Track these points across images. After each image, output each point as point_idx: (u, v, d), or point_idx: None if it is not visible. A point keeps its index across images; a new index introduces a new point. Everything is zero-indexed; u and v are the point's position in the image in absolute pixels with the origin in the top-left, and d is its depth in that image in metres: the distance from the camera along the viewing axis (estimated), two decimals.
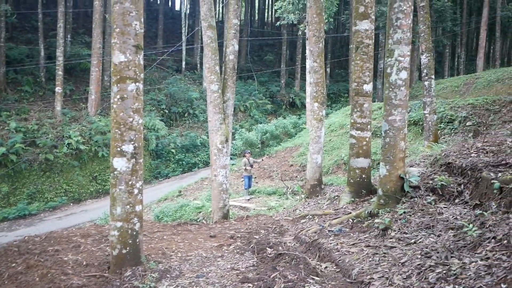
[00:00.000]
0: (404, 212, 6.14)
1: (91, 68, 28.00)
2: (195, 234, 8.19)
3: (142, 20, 5.82)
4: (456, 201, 6.10)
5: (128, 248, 5.66)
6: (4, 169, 21.72)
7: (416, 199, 6.42)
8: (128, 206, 5.66)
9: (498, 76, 24.41)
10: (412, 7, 6.85)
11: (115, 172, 5.62)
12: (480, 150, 6.92)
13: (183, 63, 39.67)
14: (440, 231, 5.20)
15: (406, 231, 5.57)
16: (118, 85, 5.63)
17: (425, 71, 14.83)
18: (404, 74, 6.70)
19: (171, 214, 14.90)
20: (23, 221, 20.22)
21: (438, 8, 34.02)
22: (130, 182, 5.65)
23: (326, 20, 26.72)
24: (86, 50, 31.60)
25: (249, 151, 18.28)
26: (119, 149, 5.60)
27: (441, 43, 38.82)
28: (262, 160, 19.75)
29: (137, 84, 5.71)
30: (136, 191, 5.72)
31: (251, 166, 16.51)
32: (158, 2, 53.38)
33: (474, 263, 3.99)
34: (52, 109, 26.63)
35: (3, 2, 26.96)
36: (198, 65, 41.04)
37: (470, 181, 6.17)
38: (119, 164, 5.61)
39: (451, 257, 4.30)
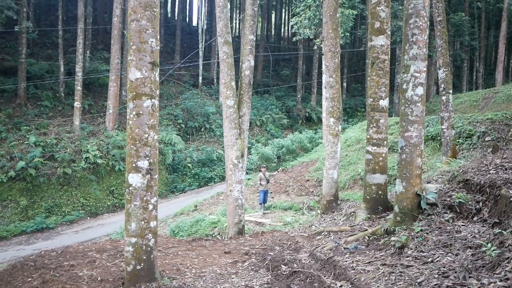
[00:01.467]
0: (421, 230, 6.04)
1: (109, 83, 28.45)
2: (210, 250, 8.17)
3: (158, 37, 5.90)
4: (475, 219, 5.97)
5: (142, 264, 5.66)
6: (23, 183, 22.07)
7: (433, 216, 6.31)
8: (142, 222, 5.67)
9: None
10: (428, 23, 6.82)
11: (130, 188, 5.65)
12: (499, 167, 6.79)
13: (200, 78, 40.03)
14: (458, 250, 5.10)
15: (423, 250, 5.46)
16: (134, 101, 5.69)
17: (442, 85, 14.70)
18: (420, 90, 6.64)
19: (187, 229, 14.90)
20: (41, 234, 20.45)
21: (455, 22, 33.86)
22: (145, 198, 5.68)
23: (342, 35, 26.75)
24: (104, 65, 32.17)
25: (264, 165, 18.25)
26: (134, 165, 5.65)
27: (459, 57, 38.53)
28: (278, 172, 19.71)
29: (152, 100, 5.76)
30: (151, 206, 5.74)
31: (268, 181, 16.43)
32: (176, 18, 54.14)
33: (493, 284, 3.89)
34: (71, 123, 27.07)
35: (25, 19, 27.65)
36: (215, 80, 41.36)
37: (488, 199, 6.04)
38: (134, 179, 5.64)
39: (469, 277, 4.20)
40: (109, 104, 28.37)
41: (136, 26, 5.72)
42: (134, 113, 5.68)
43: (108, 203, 24.85)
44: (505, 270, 4.01)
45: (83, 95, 28.48)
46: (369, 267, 5.55)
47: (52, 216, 22.22)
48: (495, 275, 4.05)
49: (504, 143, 15.01)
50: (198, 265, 6.90)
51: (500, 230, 4.97)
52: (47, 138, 24.80)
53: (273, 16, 64.43)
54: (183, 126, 33.04)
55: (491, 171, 6.72)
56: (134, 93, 5.70)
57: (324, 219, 11.30)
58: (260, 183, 16.29)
